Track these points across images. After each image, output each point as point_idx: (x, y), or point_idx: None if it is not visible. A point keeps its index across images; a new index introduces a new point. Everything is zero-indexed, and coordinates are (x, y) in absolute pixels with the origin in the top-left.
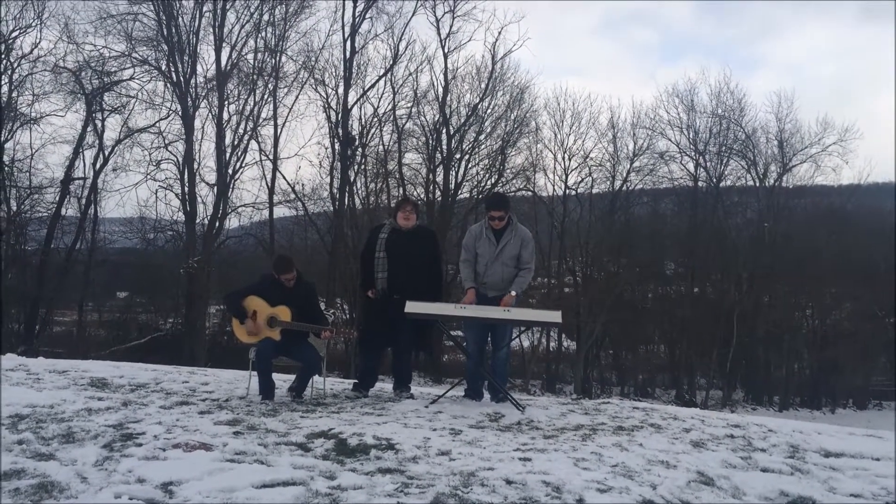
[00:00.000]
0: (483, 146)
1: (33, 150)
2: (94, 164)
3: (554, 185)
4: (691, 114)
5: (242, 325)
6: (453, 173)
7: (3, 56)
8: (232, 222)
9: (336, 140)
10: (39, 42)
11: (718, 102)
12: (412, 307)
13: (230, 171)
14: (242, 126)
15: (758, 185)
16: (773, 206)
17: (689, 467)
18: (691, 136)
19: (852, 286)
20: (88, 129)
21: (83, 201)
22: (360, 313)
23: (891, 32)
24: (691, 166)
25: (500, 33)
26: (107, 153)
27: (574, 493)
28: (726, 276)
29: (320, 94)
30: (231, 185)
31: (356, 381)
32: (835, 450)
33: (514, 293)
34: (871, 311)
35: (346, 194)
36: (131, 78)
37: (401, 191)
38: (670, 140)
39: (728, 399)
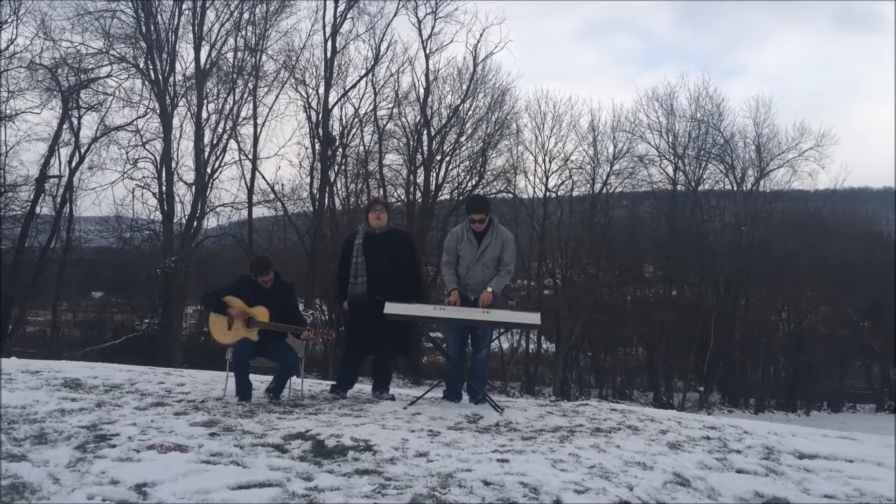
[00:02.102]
0: (464, 148)
1: (8, 148)
2: (69, 162)
3: (534, 188)
4: (671, 118)
5: (224, 314)
6: (434, 175)
7: None
8: (210, 222)
9: (316, 140)
10: (15, 38)
11: (697, 107)
12: (391, 308)
13: (209, 170)
14: (222, 125)
15: (735, 189)
16: (750, 210)
17: (666, 468)
18: (670, 139)
19: (828, 290)
20: (64, 126)
21: (58, 199)
22: (344, 318)
23: (866, 41)
24: (670, 170)
25: (481, 35)
26: (83, 151)
27: (551, 494)
28: (704, 280)
29: (301, 94)
30: (209, 185)
31: (334, 382)
32: (809, 451)
33: (490, 289)
34: (846, 315)
35: (327, 195)
36: (109, 75)
37: (381, 192)
38: (650, 144)
39: (705, 401)
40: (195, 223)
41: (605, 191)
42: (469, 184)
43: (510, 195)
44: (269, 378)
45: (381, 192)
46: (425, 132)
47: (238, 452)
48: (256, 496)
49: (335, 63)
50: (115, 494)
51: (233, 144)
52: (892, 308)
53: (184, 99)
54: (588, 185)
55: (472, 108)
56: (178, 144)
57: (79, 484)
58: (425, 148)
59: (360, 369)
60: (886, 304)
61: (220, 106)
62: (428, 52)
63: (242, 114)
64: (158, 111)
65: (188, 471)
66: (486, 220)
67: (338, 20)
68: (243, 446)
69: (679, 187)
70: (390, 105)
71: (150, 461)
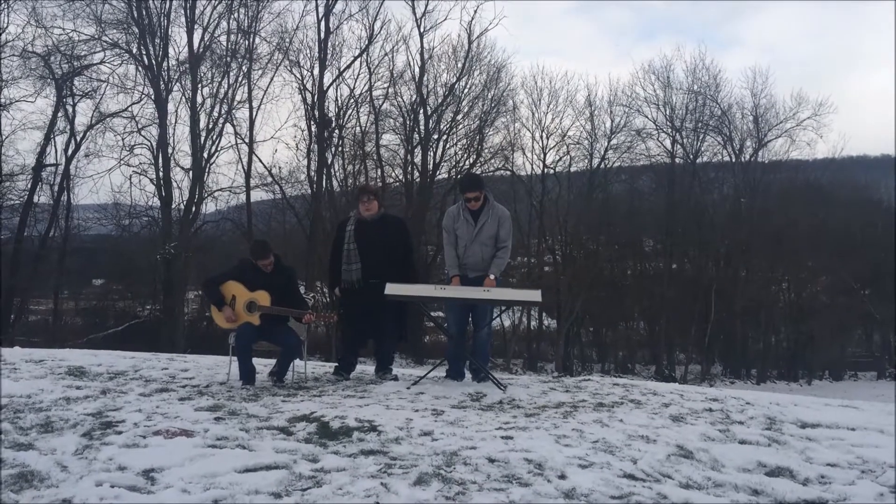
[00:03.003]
0: (461, 126)
1: (3, 137)
2: (65, 150)
3: (532, 164)
4: (668, 90)
5: (221, 311)
6: (431, 154)
7: None
8: (208, 207)
9: (312, 122)
10: (7, 27)
11: (694, 79)
12: (392, 289)
13: (205, 154)
14: (217, 109)
15: (734, 160)
16: (749, 181)
17: (669, 441)
18: (668, 112)
19: (828, 259)
20: (59, 114)
21: (56, 188)
22: (341, 303)
23: (861, 10)
24: (668, 143)
25: (475, 12)
26: (79, 139)
27: (556, 470)
28: (704, 252)
29: (295, 76)
30: (207, 170)
31: (337, 364)
32: (811, 421)
33: (492, 276)
34: (847, 284)
35: (324, 177)
36: (102, 62)
37: (379, 172)
38: (647, 117)
39: (707, 373)
40: (193, 208)
41: (603, 166)
42: (466, 162)
43: (508, 172)
44: (272, 362)
45: (379, 173)
46: (421, 111)
47: (244, 436)
48: (263, 478)
49: (329, 44)
50: (123, 480)
51: (229, 128)
52: (892, 275)
53: (178, 84)
54: (586, 161)
55: (468, 86)
56: (174, 130)
57: (86, 471)
58: (422, 127)
59: (360, 352)
60: (886, 272)
61: (214, 90)
62: (422, 30)
63: (237, 97)
64: (153, 97)
65: (195, 455)
66: (481, 198)
67: (330, 0)
68: (249, 430)
69: (677, 160)
70: (386, 85)
71: (156, 447)
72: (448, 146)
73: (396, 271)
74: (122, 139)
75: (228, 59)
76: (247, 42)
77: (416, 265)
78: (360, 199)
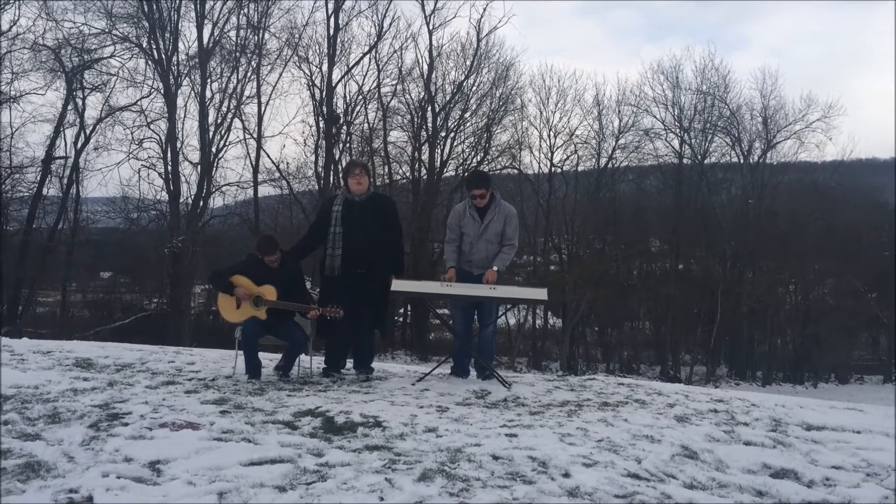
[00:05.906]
0: (468, 124)
1: (13, 129)
2: (75, 143)
3: (539, 163)
4: (676, 91)
5: (232, 295)
6: (439, 151)
7: None
8: (216, 201)
9: (321, 118)
10: (18, 19)
11: (703, 79)
12: (399, 286)
13: (214, 149)
14: (226, 104)
15: (742, 161)
16: (757, 182)
17: (674, 441)
18: (676, 112)
19: (835, 262)
20: (69, 107)
21: (65, 181)
22: (320, 289)
23: (869, 12)
24: (676, 143)
25: (484, 10)
26: (88, 132)
27: (560, 468)
28: (711, 253)
29: (304, 72)
30: (215, 164)
31: (325, 365)
32: (816, 423)
33: (496, 268)
34: (854, 287)
35: (332, 173)
36: (112, 56)
37: (386, 169)
38: (655, 117)
39: (712, 375)
40: (201, 203)
41: (610, 165)
42: (474, 160)
43: (515, 171)
44: (278, 356)
45: (387, 170)
46: (429, 109)
47: (249, 429)
48: (268, 472)
49: (338, 40)
50: (129, 472)
51: (237, 123)
52: None
53: (187, 78)
54: (593, 160)
55: (476, 84)
56: (183, 124)
57: (93, 462)
58: (430, 125)
59: (347, 346)
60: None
61: (223, 85)
62: (431, 27)
63: (246, 92)
64: (162, 91)
65: (201, 448)
66: (488, 195)
67: None
68: (254, 423)
69: (685, 161)
70: (394, 82)
71: (162, 439)
72: (455, 144)
73: (383, 256)
74: (132, 133)
75: (238, 54)
76: (256, 37)
77: (403, 249)
78: (350, 173)
